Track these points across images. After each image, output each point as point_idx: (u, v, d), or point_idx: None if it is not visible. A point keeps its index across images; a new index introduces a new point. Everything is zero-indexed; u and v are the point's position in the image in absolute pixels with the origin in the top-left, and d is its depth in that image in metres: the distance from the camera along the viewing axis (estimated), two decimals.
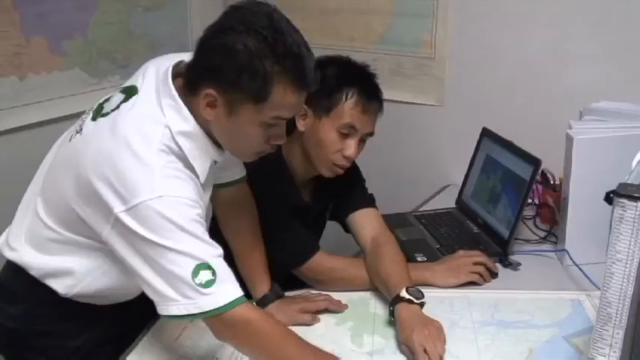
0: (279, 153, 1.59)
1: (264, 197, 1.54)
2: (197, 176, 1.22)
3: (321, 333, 1.45)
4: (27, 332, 1.36)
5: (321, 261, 1.60)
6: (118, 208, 1.12)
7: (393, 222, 1.96)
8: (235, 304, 1.15)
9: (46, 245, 1.30)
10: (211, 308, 1.13)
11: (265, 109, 1.19)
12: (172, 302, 1.13)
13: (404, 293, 1.43)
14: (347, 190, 1.75)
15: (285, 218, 1.60)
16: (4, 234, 1.39)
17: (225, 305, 1.14)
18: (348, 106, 1.54)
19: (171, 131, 1.18)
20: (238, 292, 1.17)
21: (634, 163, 0.86)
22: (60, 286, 1.31)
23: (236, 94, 1.17)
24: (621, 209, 0.73)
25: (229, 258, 1.43)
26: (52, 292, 1.31)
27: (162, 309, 1.15)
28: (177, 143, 1.19)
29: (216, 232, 1.37)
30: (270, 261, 1.53)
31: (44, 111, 2.12)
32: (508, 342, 1.37)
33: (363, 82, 1.57)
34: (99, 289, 1.33)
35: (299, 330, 1.46)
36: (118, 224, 1.13)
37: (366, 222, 1.73)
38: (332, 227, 1.86)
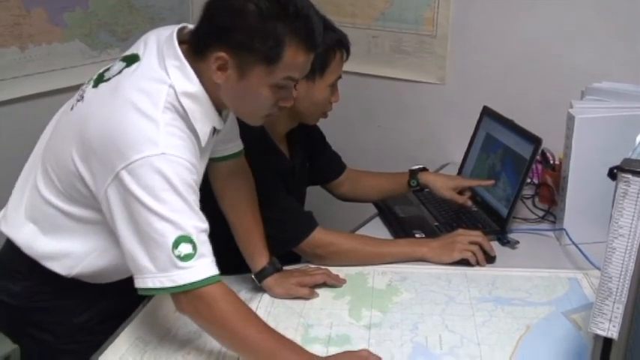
0: None
1: (257, 171, 1.55)
2: (198, 140, 1.22)
3: (319, 307, 1.46)
4: (30, 309, 1.37)
5: (320, 236, 1.60)
6: (119, 165, 1.12)
7: (393, 199, 1.97)
8: (208, 282, 1.15)
9: (45, 224, 1.31)
10: (184, 283, 1.14)
11: (277, 71, 1.19)
12: (148, 274, 1.14)
13: None
14: (322, 152, 1.90)
15: (281, 196, 1.61)
16: (4, 209, 1.39)
17: (198, 282, 1.14)
18: (336, 63, 1.58)
19: (175, 91, 1.18)
20: (214, 271, 1.17)
21: (638, 139, 0.86)
22: (59, 267, 1.32)
23: (247, 56, 1.17)
24: (625, 184, 0.73)
25: (224, 233, 1.45)
26: (54, 272, 1.32)
27: (139, 281, 1.16)
28: (181, 104, 1.19)
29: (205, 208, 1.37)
30: (267, 239, 1.53)
31: (44, 82, 2.11)
32: (505, 318, 1.38)
33: (342, 39, 1.61)
34: (99, 269, 1.33)
35: (297, 304, 1.48)
36: (116, 182, 1.13)
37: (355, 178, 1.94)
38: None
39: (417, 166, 1.93)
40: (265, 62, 1.18)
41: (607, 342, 0.77)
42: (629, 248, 0.74)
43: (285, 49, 1.17)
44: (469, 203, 1.86)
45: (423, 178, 1.90)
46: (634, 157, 0.78)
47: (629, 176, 0.72)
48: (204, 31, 1.21)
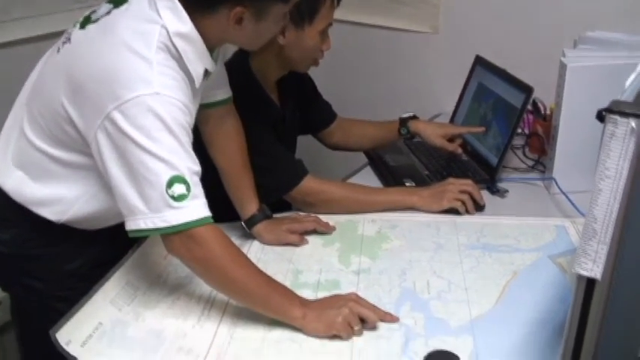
0: (246, 67, 1.60)
1: (248, 119, 1.54)
2: (192, 81, 1.21)
3: (309, 253, 1.48)
4: (20, 257, 1.37)
5: (310, 184, 1.60)
6: (111, 105, 1.11)
7: (383, 148, 1.97)
8: (201, 222, 1.15)
9: (34, 170, 1.30)
10: (178, 223, 1.14)
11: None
12: (140, 215, 1.14)
13: None
14: (314, 101, 1.90)
15: (272, 144, 1.60)
16: None
17: (191, 222, 1.14)
18: (326, 10, 1.55)
19: (167, 32, 1.16)
20: (207, 212, 1.17)
21: (627, 82, 0.85)
22: (50, 213, 1.31)
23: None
24: (613, 126, 0.72)
25: (213, 181, 1.45)
26: (44, 218, 1.32)
27: (131, 223, 1.15)
28: (173, 44, 1.17)
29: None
30: (257, 187, 1.53)
31: (30, 27, 2.07)
32: (492, 264, 1.39)
33: None
34: (89, 214, 1.33)
35: (287, 250, 1.49)
36: (107, 123, 1.12)
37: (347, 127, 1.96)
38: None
39: (407, 114, 1.93)
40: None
41: (590, 283, 0.78)
42: (614, 190, 0.74)
43: None
44: (459, 151, 1.86)
45: (414, 126, 1.90)
46: (623, 99, 0.78)
47: (617, 117, 0.72)
48: None
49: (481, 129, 1.86)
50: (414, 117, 1.93)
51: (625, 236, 0.76)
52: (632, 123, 0.71)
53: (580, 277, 0.78)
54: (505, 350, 1.14)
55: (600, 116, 0.75)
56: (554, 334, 1.14)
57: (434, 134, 1.87)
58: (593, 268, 0.77)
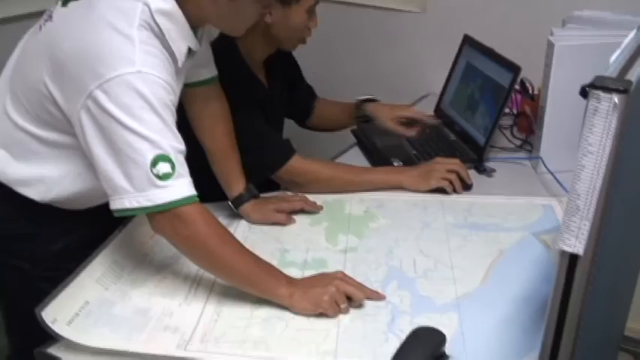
0: (233, 46, 1.59)
1: (234, 98, 1.53)
2: (175, 60, 1.20)
3: (296, 232, 1.48)
4: (5, 238, 1.36)
5: (298, 164, 1.60)
6: (93, 83, 1.10)
7: (372, 128, 1.96)
8: (187, 201, 1.15)
9: (17, 149, 1.28)
10: (163, 202, 1.13)
11: None
12: (125, 194, 1.13)
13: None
14: (299, 85, 1.91)
15: (258, 124, 1.60)
16: None
17: (177, 201, 1.14)
18: None
19: (150, 9, 1.15)
20: (192, 191, 1.17)
21: (612, 59, 0.85)
22: (34, 193, 1.30)
23: None
24: (596, 101, 0.72)
25: (201, 160, 1.45)
26: (28, 198, 1.31)
27: (116, 202, 1.15)
28: (156, 22, 1.16)
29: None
30: (245, 167, 1.53)
31: (10, 7, 2.04)
32: (479, 243, 1.40)
33: None
34: (73, 194, 1.32)
35: (274, 229, 1.49)
36: (90, 102, 1.11)
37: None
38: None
39: (365, 97, 1.92)
40: None
41: (573, 258, 0.78)
42: (597, 166, 0.74)
43: None
44: (412, 133, 1.87)
45: (369, 108, 1.90)
46: (608, 74, 0.78)
47: (600, 93, 0.71)
48: None
49: (428, 114, 1.89)
50: (372, 100, 1.92)
51: (607, 212, 0.76)
52: (615, 99, 0.71)
53: (563, 253, 0.78)
54: (490, 327, 1.14)
55: (584, 92, 0.75)
56: (538, 311, 1.14)
57: (386, 117, 1.88)
58: (576, 244, 0.77)
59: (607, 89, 0.71)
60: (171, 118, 1.15)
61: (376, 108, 1.91)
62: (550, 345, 0.85)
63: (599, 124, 0.73)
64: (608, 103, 0.72)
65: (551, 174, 1.64)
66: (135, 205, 1.14)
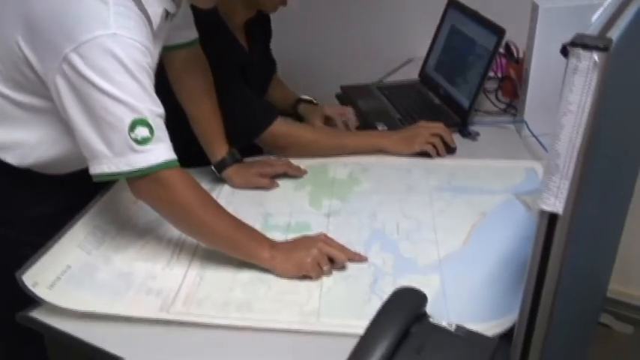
0: (213, 9, 1.54)
1: (215, 62, 1.51)
2: (150, 22, 1.18)
3: (280, 197, 1.48)
4: None
5: (281, 127, 1.59)
6: (68, 46, 1.08)
7: (356, 92, 1.96)
8: (166, 165, 1.14)
9: None
10: (142, 166, 1.12)
11: None
12: (104, 159, 1.12)
13: None
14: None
15: (240, 87, 1.58)
16: None
17: (156, 165, 1.13)
18: None
19: None
20: (172, 155, 1.16)
21: (594, 17, 0.84)
22: (12, 158, 1.29)
23: None
24: (576, 60, 0.72)
25: (182, 125, 1.43)
26: (6, 163, 1.29)
27: (95, 167, 1.14)
28: None
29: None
30: (227, 131, 1.51)
31: None
32: (462, 206, 1.40)
33: None
34: (52, 159, 1.31)
35: (257, 194, 1.49)
36: (65, 65, 1.09)
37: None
38: None
39: (305, 97, 1.89)
40: None
41: (552, 218, 0.79)
42: (577, 125, 0.74)
43: None
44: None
45: (302, 110, 1.87)
46: (589, 33, 0.77)
47: (580, 51, 0.71)
48: None
49: (347, 110, 1.85)
50: (310, 102, 1.89)
51: (587, 171, 0.76)
52: (595, 57, 0.70)
53: (542, 212, 0.78)
54: (471, 288, 1.15)
55: (564, 51, 0.74)
56: (519, 271, 1.15)
57: (315, 118, 1.83)
58: (555, 203, 0.77)
59: (587, 47, 0.71)
60: (148, 81, 1.14)
61: (308, 110, 1.86)
62: (529, 304, 0.86)
63: (579, 83, 0.73)
64: (588, 62, 0.71)
65: (535, 137, 1.64)
66: (114, 170, 1.13)
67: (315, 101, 1.88)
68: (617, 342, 2.22)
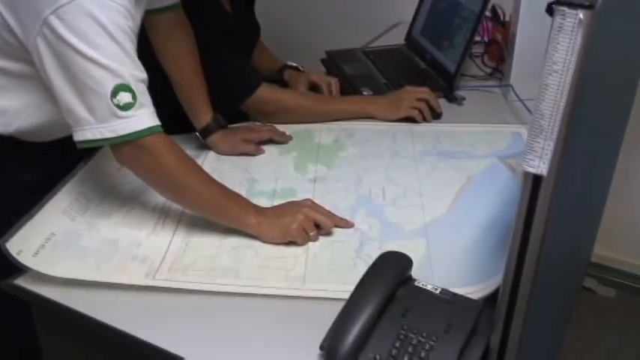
0: None
1: (198, 26, 1.48)
2: None
3: (265, 162, 1.47)
4: None
5: (266, 93, 1.58)
6: (47, 9, 1.05)
7: (341, 57, 1.94)
8: (150, 131, 1.13)
9: None
10: (125, 133, 1.11)
11: None
12: (87, 126, 1.11)
13: None
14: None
15: (224, 52, 1.56)
16: None
17: (139, 131, 1.12)
18: None
19: None
20: (155, 121, 1.14)
21: None
22: None
23: None
24: (561, 18, 0.71)
25: (166, 91, 1.41)
26: None
27: (78, 134, 1.12)
28: None
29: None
30: (212, 98, 1.50)
31: None
32: (447, 170, 1.40)
33: None
34: (35, 126, 1.29)
35: (242, 160, 1.48)
36: (45, 29, 1.07)
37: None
38: None
39: (291, 63, 1.88)
40: None
41: (537, 180, 0.78)
42: (561, 85, 0.74)
43: None
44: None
45: (287, 76, 1.86)
46: None
47: (565, 9, 0.70)
48: None
49: (334, 82, 1.80)
50: (296, 68, 1.87)
51: (571, 132, 0.76)
52: (580, 14, 0.70)
53: (527, 174, 0.78)
54: (456, 252, 1.16)
55: (550, 9, 0.73)
56: (504, 235, 1.16)
57: (300, 84, 1.81)
58: (540, 164, 0.77)
59: (572, 5, 0.70)
60: (130, 45, 1.12)
61: (293, 76, 1.85)
62: (514, 266, 0.86)
63: (564, 42, 0.72)
64: (573, 20, 0.70)
65: (521, 101, 1.64)
66: (97, 136, 1.11)
67: (301, 68, 1.86)
68: (601, 305, 2.25)
